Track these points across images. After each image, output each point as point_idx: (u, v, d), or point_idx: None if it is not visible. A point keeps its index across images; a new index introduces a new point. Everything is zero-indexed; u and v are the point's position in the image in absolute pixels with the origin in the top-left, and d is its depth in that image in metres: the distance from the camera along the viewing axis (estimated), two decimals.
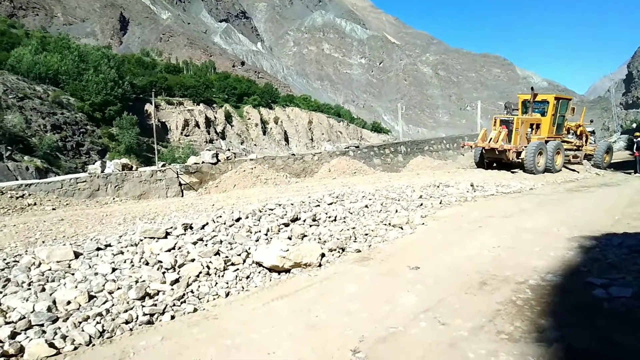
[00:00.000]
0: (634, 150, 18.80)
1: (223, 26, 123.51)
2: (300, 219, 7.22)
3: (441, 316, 3.88)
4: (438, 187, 11.83)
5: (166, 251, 5.46)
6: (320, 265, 5.49)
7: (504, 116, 18.34)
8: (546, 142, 17.84)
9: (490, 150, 17.61)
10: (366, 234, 6.84)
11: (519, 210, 9.02)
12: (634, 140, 19.23)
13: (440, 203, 9.56)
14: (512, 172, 16.95)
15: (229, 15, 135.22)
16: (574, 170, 18.81)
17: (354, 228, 7.04)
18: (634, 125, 54.56)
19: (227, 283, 4.93)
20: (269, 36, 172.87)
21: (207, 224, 6.63)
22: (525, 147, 17.14)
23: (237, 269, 5.24)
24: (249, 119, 59.34)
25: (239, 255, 5.50)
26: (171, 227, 6.38)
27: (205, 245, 5.76)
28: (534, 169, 16.60)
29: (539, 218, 8.10)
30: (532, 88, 19.37)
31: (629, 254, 5.38)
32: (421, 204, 9.28)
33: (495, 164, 18.51)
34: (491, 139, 17.41)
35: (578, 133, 20.52)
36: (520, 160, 17.26)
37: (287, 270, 5.31)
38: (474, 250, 5.96)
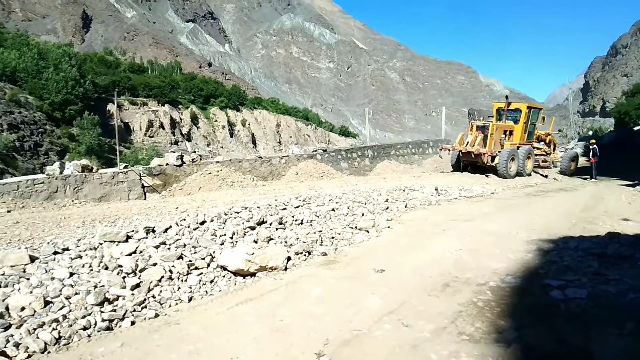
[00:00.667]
0: (590, 157, 19.63)
1: (190, 26, 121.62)
2: (266, 222, 7.17)
3: (404, 318, 3.93)
4: (404, 191, 12.01)
5: (127, 255, 5.31)
6: (286, 268, 5.46)
7: (480, 122, 19.78)
8: (518, 148, 18.96)
9: (466, 154, 18.77)
10: (333, 237, 6.86)
11: (480, 214, 9.25)
12: (590, 147, 20.10)
13: (405, 207, 9.71)
14: (487, 176, 18.04)
15: (196, 16, 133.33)
16: (543, 175, 19.84)
17: (320, 231, 7.05)
18: (590, 132, 57.05)
19: (191, 287, 4.83)
20: (237, 38, 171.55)
21: (170, 227, 6.49)
22: (499, 152, 18.24)
23: (201, 273, 5.15)
24: (216, 120, 58.58)
25: (203, 259, 5.41)
26: (132, 231, 6.22)
27: (168, 249, 5.64)
28: (506, 173, 17.66)
29: (499, 221, 8.34)
30: (506, 97, 20.83)
31: (584, 257, 5.60)
32: (387, 208, 9.39)
33: (470, 167, 19.63)
34: (468, 142, 18.41)
35: (547, 141, 21.86)
36: (494, 164, 18.34)
37: (253, 274, 5.26)
38: (437, 253, 6.07)
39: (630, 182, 15.82)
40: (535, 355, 3.25)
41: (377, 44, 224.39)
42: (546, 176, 19.44)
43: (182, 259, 5.32)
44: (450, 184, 14.16)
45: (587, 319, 3.77)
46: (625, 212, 9.08)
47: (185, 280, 4.97)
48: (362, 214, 8.49)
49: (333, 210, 8.63)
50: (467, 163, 19.58)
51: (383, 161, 24.35)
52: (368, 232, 7.31)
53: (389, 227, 7.69)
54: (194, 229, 6.52)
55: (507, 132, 19.47)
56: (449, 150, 20.59)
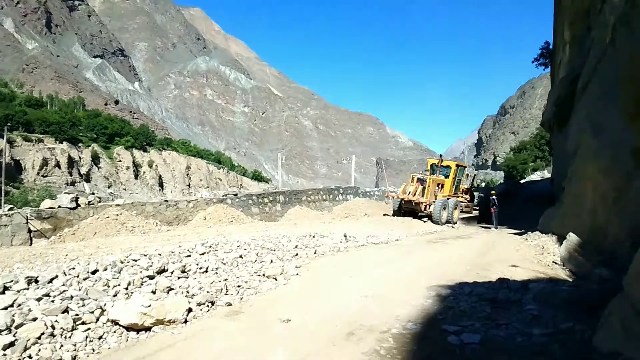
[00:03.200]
0: (491, 207, 21.42)
1: (97, 62, 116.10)
2: (167, 270, 6.75)
3: None
4: (313, 237, 12.09)
5: (2, 309, 4.66)
6: (186, 321, 5.12)
7: (420, 175, 22.95)
8: (448, 199, 21.71)
9: (408, 202, 21.45)
10: (239, 286, 6.62)
11: (385, 260, 9.53)
12: (490, 197, 22.00)
13: (315, 253, 9.73)
14: (424, 222, 20.53)
15: (105, 52, 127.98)
16: (453, 222, 22.02)
17: (226, 280, 6.78)
18: (483, 184, 62.41)
19: (75, 345, 4.33)
20: (149, 77, 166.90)
21: (56, 277, 5.85)
22: (434, 202, 20.95)
23: (89, 329, 4.65)
24: (120, 161, 55.33)
25: (92, 312, 4.90)
26: (11, 281, 5.51)
27: (52, 301, 5.05)
28: (439, 220, 20.27)
29: (403, 268, 8.64)
30: (440, 155, 24.39)
31: (478, 302, 5.93)
32: (296, 254, 9.34)
33: (405, 213, 22.05)
34: (409, 192, 21.18)
35: (468, 194, 25.22)
36: (429, 212, 21.05)
37: (148, 329, 4.85)
38: (343, 300, 6.09)
39: (518, 231, 17.37)
40: None
41: (292, 91, 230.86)
42: (455, 223, 21.53)
43: (68, 313, 4.78)
44: (358, 231, 14.53)
45: None
46: (514, 258, 9.86)
47: (70, 337, 4.45)
48: (271, 261, 8.34)
49: (241, 257, 8.39)
50: (407, 210, 21.97)
51: (294, 207, 24.48)
52: (276, 279, 7.17)
53: (297, 274, 7.61)
54: (84, 279, 5.94)
55: (440, 185, 22.32)
56: (392, 197, 23.44)
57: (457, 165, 23.85)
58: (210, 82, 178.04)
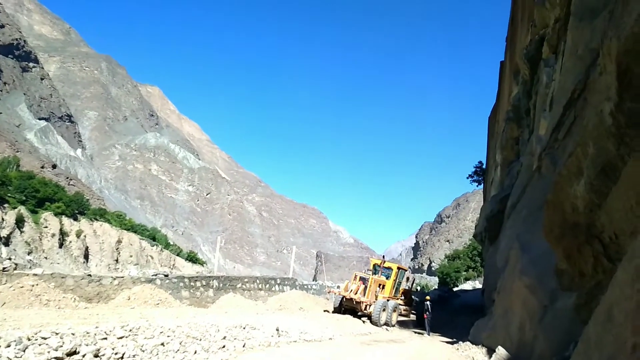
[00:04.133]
0: (424, 312, 21.49)
1: (42, 124, 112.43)
2: (79, 353, 6.13)
3: None
4: (244, 328, 11.51)
5: None
6: None
7: (362, 274, 22.95)
8: (388, 300, 21.71)
9: (349, 300, 21.18)
10: None
11: (317, 359, 9.16)
12: (425, 302, 22.20)
13: (243, 346, 9.21)
14: (363, 322, 20.28)
15: (52, 115, 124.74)
16: (391, 325, 21.61)
17: None
18: (418, 288, 63.15)
19: None
20: (93, 145, 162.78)
21: None
22: (374, 302, 20.87)
23: None
24: (46, 227, 51.52)
25: None
26: None
27: None
28: (378, 321, 20.06)
29: None
30: (383, 256, 25.42)
31: None
32: (224, 346, 8.80)
33: (346, 310, 21.73)
34: (352, 290, 21.07)
35: (407, 297, 25.05)
36: (369, 312, 20.77)
37: None
38: None
39: (449, 340, 17.44)
40: None
41: (239, 176, 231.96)
42: (393, 325, 21.31)
43: None
44: (292, 325, 14.02)
45: None
46: None
47: None
48: (195, 352, 7.79)
49: (162, 344, 7.78)
50: (348, 307, 21.69)
51: (228, 293, 23.46)
52: None
53: None
54: None
55: (381, 286, 22.40)
56: (334, 293, 23.53)
57: (399, 268, 24.23)
58: (157, 158, 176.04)
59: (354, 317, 20.96)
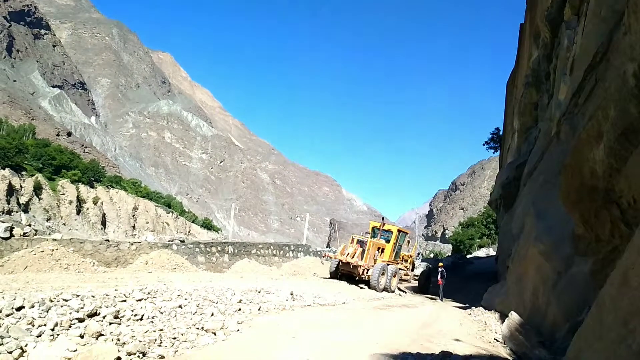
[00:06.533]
0: (439, 279, 21.43)
1: (55, 92, 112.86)
2: (99, 314, 6.29)
3: None
4: (259, 292, 11.72)
5: None
6: None
7: (360, 237, 21.44)
8: (387, 264, 20.46)
9: (345, 264, 19.96)
10: (174, 338, 6.21)
11: (331, 323, 9.32)
12: (438, 269, 22.10)
13: (259, 310, 9.39)
14: (361, 287, 19.08)
15: (65, 83, 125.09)
16: (402, 290, 21.65)
17: (161, 330, 6.36)
18: (432, 255, 63.62)
19: None
20: (107, 113, 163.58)
21: None
22: (373, 266, 19.69)
23: None
24: (63, 194, 52.52)
25: (11, 352, 4.43)
26: None
27: None
28: (376, 287, 19.01)
29: (347, 333, 8.45)
30: (382, 218, 23.43)
31: None
32: (240, 309, 8.97)
33: (342, 276, 20.64)
34: (348, 254, 19.81)
35: (408, 262, 23.94)
36: (367, 277, 19.59)
37: None
38: None
39: (462, 305, 17.59)
40: None
41: (252, 144, 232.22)
42: (393, 291, 20.54)
43: None
44: (306, 290, 14.23)
45: None
46: (457, 332, 9.89)
47: None
48: (212, 314, 7.96)
49: (180, 307, 7.96)
50: (345, 272, 20.56)
51: (243, 259, 23.86)
52: (215, 334, 6.80)
53: (238, 330, 7.27)
54: (7, 315, 5.42)
55: (380, 249, 21.25)
56: (330, 257, 22.00)
57: (399, 231, 22.79)
58: (170, 125, 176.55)
59: (349, 283, 19.96)
